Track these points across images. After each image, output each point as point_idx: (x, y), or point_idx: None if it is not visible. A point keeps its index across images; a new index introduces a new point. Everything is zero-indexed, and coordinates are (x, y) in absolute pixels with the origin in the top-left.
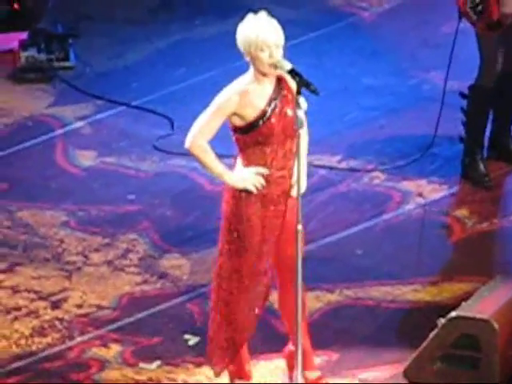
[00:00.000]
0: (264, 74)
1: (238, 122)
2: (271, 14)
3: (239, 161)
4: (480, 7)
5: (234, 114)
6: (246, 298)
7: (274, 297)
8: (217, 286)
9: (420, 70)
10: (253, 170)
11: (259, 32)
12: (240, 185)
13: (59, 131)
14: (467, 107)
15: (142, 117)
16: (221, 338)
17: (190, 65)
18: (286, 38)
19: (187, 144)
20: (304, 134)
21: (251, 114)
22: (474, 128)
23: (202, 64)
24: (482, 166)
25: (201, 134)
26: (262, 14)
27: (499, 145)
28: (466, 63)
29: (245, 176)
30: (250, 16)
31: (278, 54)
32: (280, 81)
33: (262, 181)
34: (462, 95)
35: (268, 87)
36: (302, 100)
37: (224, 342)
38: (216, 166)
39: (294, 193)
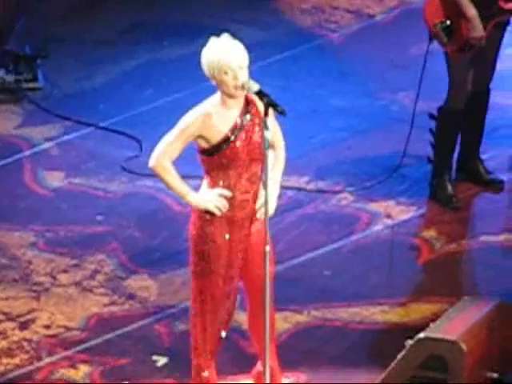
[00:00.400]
0: (231, 97)
1: (203, 143)
2: (237, 35)
3: (204, 181)
4: (450, 29)
5: (199, 136)
6: (211, 320)
7: (243, 318)
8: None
9: (388, 92)
10: (217, 191)
11: (221, 55)
12: (202, 206)
13: (27, 152)
14: (436, 128)
15: (110, 138)
16: (192, 364)
17: (158, 86)
18: (255, 59)
19: (151, 163)
20: (280, 154)
21: (215, 137)
22: (442, 149)
23: (170, 85)
24: (449, 187)
25: (164, 154)
26: (225, 36)
27: (468, 166)
28: (434, 84)
29: (207, 197)
30: (213, 39)
31: (243, 75)
32: (248, 104)
33: (226, 203)
34: (431, 116)
35: (234, 110)
36: (270, 120)
37: (193, 368)
38: (179, 185)
39: (260, 215)
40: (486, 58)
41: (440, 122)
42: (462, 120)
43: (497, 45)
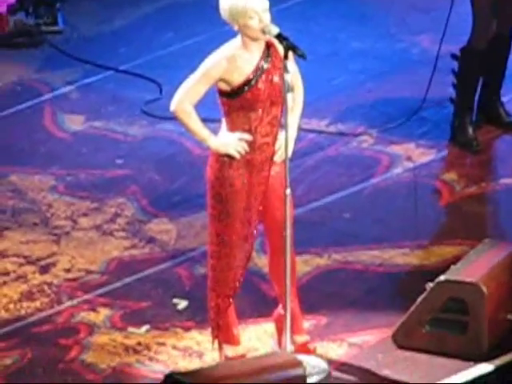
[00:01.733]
0: (254, 40)
1: (223, 86)
2: None
3: (224, 125)
4: None
5: (221, 79)
6: (228, 263)
7: (263, 261)
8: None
9: (409, 34)
10: (237, 135)
11: (246, 0)
12: (222, 150)
13: (47, 96)
14: (458, 70)
15: (130, 81)
16: (209, 306)
17: (178, 29)
18: (274, 3)
19: (172, 107)
20: (299, 97)
21: (237, 79)
22: (464, 91)
23: (190, 28)
24: (470, 130)
25: (186, 97)
26: None
27: (488, 109)
28: (456, 27)
29: (228, 141)
30: None
31: (267, 18)
32: (269, 47)
33: (246, 147)
34: (454, 57)
35: (256, 53)
36: (290, 64)
37: (210, 309)
38: (200, 129)
39: (278, 158)
40: (509, 0)
41: (462, 63)
42: (484, 61)
43: None
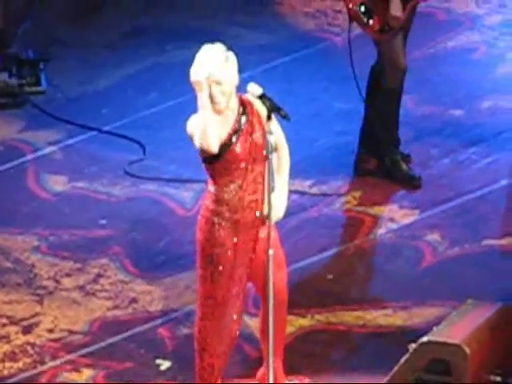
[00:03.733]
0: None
1: (203, 153)
2: (239, 39)
3: (211, 188)
4: (370, 11)
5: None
6: (222, 322)
7: (246, 322)
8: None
9: None
10: None
11: (209, 69)
12: None
13: (30, 156)
14: (378, 109)
15: (114, 142)
16: (200, 367)
17: (161, 90)
18: (258, 63)
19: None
20: (285, 156)
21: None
22: (390, 129)
23: (174, 89)
24: (404, 165)
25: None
26: (208, 46)
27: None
28: (438, 86)
29: None
30: (200, 51)
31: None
32: (243, 105)
33: None
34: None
35: (230, 115)
36: (273, 124)
37: (202, 370)
38: None
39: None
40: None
41: (381, 105)
42: (400, 97)
43: (409, 27)
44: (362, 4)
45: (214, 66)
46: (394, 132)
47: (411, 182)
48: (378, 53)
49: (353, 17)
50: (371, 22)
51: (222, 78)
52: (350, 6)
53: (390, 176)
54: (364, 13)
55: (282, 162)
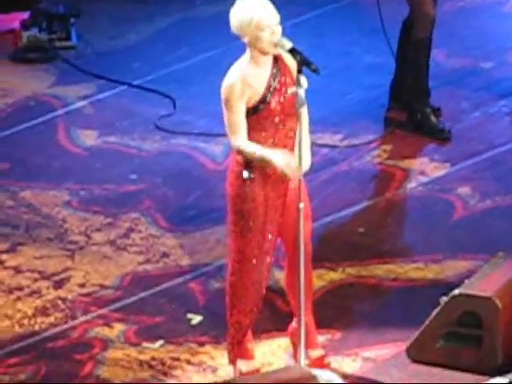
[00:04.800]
0: (265, 54)
1: None
2: None
3: None
4: None
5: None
6: (251, 278)
7: (277, 276)
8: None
9: None
10: (291, 158)
11: (257, 12)
12: (284, 168)
13: (61, 111)
14: (410, 58)
15: (144, 96)
16: (230, 323)
17: (192, 44)
18: (287, 17)
19: (234, 148)
20: (305, 113)
21: (253, 97)
22: (420, 80)
23: (204, 43)
24: (433, 118)
25: (235, 135)
26: None
27: (403, 97)
28: (468, 39)
29: (289, 161)
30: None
31: (278, 31)
32: (277, 60)
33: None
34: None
35: (266, 68)
36: (302, 79)
37: (231, 326)
38: (263, 154)
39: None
40: None
41: (412, 53)
42: (431, 45)
43: None
44: None
45: (272, 7)
46: (424, 83)
47: (441, 135)
48: (409, 4)
49: None
50: None
51: (271, 22)
52: None
53: (420, 129)
54: None
55: (302, 115)
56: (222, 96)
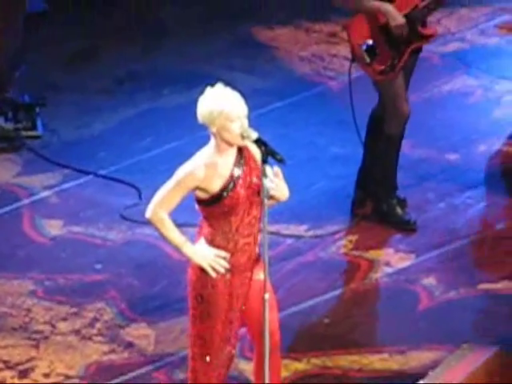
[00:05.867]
0: (231, 145)
1: (201, 194)
2: (235, 83)
3: (205, 230)
4: (373, 50)
5: (197, 188)
6: (210, 365)
7: (243, 366)
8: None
9: None
10: (215, 251)
11: (229, 103)
12: (197, 260)
13: (26, 200)
14: (378, 154)
15: (110, 186)
16: None
17: (157, 134)
18: (253, 107)
19: (147, 215)
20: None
21: (215, 187)
22: (389, 174)
23: (169, 133)
24: (399, 210)
25: (161, 206)
26: (221, 86)
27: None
28: (433, 131)
29: (205, 254)
30: (210, 89)
31: (245, 123)
32: (241, 150)
33: (223, 264)
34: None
35: (230, 158)
36: (268, 169)
37: None
38: (174, 237)
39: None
40: (405, 84)
41: (381, 149)
42: (400, 143)
43: (412, 71)
44: (365, 43)
45: (241, 99)
46: (392, 178)
47: (406, 226)
48: (380, 98)
49: (355, 55)
50: (374, 62)
51: (241, 113)
52: (355, 45)
53: (385, 220)
54: (367, 52)
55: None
56: (178, 174)
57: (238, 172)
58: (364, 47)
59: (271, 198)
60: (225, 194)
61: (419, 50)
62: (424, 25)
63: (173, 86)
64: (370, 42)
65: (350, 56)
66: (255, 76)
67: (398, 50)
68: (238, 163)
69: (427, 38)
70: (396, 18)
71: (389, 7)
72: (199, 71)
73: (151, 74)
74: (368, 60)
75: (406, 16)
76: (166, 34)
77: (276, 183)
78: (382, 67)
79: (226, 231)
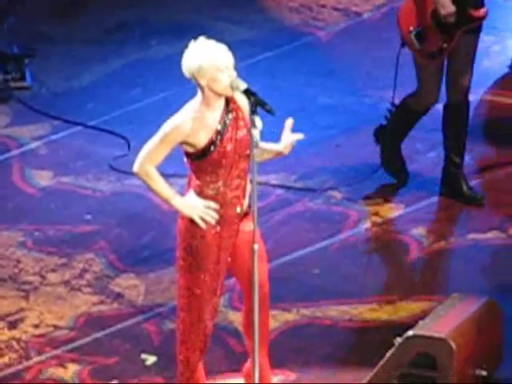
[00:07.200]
0: (220, 96)
1: (189, 149)
2: (223, 33)
3: (194, 183)
4: (422, 36)
5: (183, 142)
6: (198, 316)
7: (233, 316)
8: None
9: (376, 89)
10: (204, 202)
11: (216, 54)
12: (186, 211)
13: (16, 151)
14: (393, 117)
15: (99, 137)
16: (178, 359)
17: (146, 85)
18: (242, 58)
19: (134, 169)
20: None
21: (200, 141)
22: (393, 136)
23: (158, 84)
24: (398, 163)
25: (148, 160)
26: (204, 39)
27: (451, 182)
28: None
29: (194, 204)
30: (195, 42)
31: (234, 73)
32: (228, 103)
33: (213, 215)
34: (393, 104)
35: (218, 111)
36: (257, 119)
37: (180, 363)
38: (162, 190)
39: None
40: (458, 68)
41: (396, 112)
42: (414, 121)
43: (470, 52)
44: (415, 29)
45: (228, 50)
46: (396, 145)
47: (399, 179)
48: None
49: (406, 41)
50: (423, 46)
51: (229, 63)
52: (405, 31)
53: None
54: (417, 37)
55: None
56: (164, 128)
57: (225, 125)
58: (414, 32)
59: (274, 152)
60: (212, 147)
61: (476, 29)
62: (475, 6)
63: (161, 36)
64: (420, 28)
65: (338, 6)
66: (244, 27)
67: (448, 33)
68: (225, 116)
69: (479, 19)
70: (446, 5)
71: None
72: (188, 22)
73: (140, 24)
74: (418, 46)
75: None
76: None
77: (285, 135)
78: (431, 51)
79: (214, 184)
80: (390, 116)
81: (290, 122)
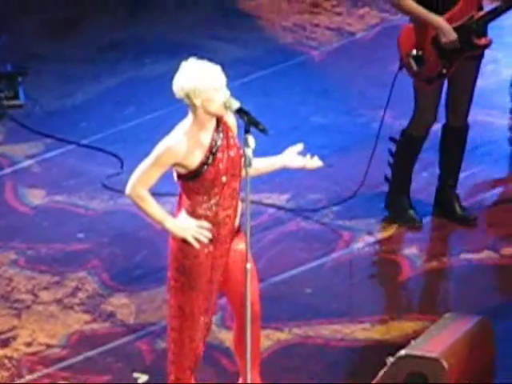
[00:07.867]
0: (213, 116)
1: (181, 170)
2: (217, 52)
3: (185, 202)
4: (421, 59)
5: (175, 164)
6: (190, 336)
7: (224, 335)
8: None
9: (369, 109)
10: (196, 222)
11: (210, 74)
12: (180, 233)
13: (8, 170)
14: (395, 151)
15: (92, 155)
16: (169, 379)
17: (139, 104)
18: (235, 77)
19: (127, 191)
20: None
21: (192, 163)
22: (400, 172)
23: (151, 103)
24: (410, 211)
25: (140, 182)
26: (195, 60)
27: (443, 202)
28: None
29: (187, 225)
30: (187, 62)
31: (227, 92)
32: (219, 123)
33: (206, 235)
34: (392, 140)
35: (209, 131)
36: (250, 138)
37: (170, 382)
38: (155, 212)
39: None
40: (458, 93)
41: (399, 146)
42: (419, 148)
43: (471, 79)
44: (414, 52)
45: (211, 72)
46: (405, 177)
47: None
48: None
49: (404, 63)
50: (421, 70)
51: (223, 83)
52: (404, 52)
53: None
54: (415, 59)
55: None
56: (157, 150)
57: (216, 146)
58: (412, 54)
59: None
60: (205, 167)
61: (477, 56)
62: (479, 35)
63: (155, 55)
64: (420, 51)
65: (331, 26)
66: (237, 45)
67: (448, 59)
68: (216, 136)
69: (481, 47)
70: (447, 34)
71: (440, 22)
72: (182, 41)
73: (133, 43)
74: (415, 68)
75: (460, 27)
76: (149, 3)
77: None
78: (430, 75)
79: (207, 204)
80: (393, 154)
81: (298, 148)
